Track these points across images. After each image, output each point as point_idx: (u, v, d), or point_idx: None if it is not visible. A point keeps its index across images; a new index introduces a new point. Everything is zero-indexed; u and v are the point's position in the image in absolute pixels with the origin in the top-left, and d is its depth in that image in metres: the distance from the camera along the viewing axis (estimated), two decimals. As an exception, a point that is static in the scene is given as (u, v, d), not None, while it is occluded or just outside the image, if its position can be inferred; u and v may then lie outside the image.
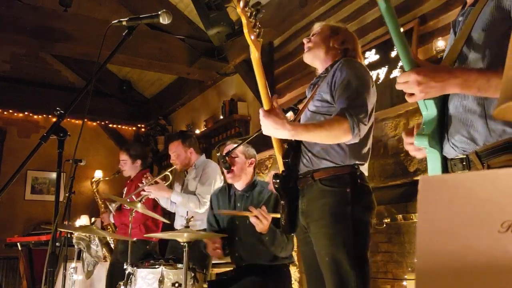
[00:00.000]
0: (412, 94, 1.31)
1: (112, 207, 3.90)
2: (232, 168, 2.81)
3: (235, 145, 2.85)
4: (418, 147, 1.45)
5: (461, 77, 1.24)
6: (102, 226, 4.58)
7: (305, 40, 2.17)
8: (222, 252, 2.81)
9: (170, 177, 3.68)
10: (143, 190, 3.54)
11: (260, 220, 2.41)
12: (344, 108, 1.85)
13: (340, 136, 1.82)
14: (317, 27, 2.19)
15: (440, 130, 1.42)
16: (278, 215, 2.19)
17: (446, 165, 1.41)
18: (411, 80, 1.28)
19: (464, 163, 1.34)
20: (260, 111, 1.83)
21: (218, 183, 3.54)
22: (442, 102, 1.42)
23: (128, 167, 4.18)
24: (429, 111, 1.41)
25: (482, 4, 1.33)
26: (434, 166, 1.44)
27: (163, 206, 3.80)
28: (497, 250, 0.64)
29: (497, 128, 1.26)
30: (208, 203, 3.39)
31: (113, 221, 4.27)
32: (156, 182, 3.54)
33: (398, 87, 1.34)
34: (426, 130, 1.41)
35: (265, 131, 1.85)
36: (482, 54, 1.31)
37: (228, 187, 3.02)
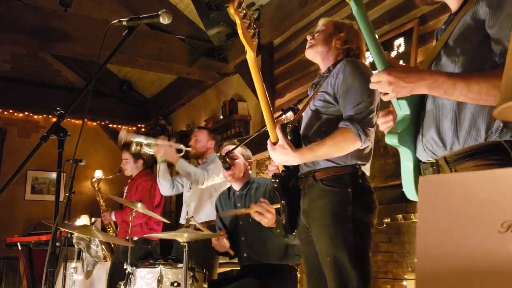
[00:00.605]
0: (386, 93, 1.39)
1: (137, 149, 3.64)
2: (232, 168, 2.84)
3: (231, 146, 2.87)
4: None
5: (429, 80, 1.32)
6: (103, 225, 4.58)
7: (308, 37, 2.16)
8: (229, 242, 2.80)
9: (182, 152, 3.63)
10: (155, 144, 3.46)
11: (263, 214, 2.38)
12: (348, 116, 1.88)
13: (348, 146, 1.86)
14: (321, 23, 2.17)
15: (414, 130, 1.50)
16: (279, 205, 2.19)
17: (419, 167, 1.51)
18: (383, 80, 1.36)
19: (434, 167, 1.44)
20: (268, 145, 1.93)
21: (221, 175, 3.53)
22: (419, 104, 1.49)
23: (130, 166, 4.20)
24: (403, 111, 1.48)
25: (463, 13, 1.41)
26: (407, 165, 1.53)
27: (163, 192, 3.74)
28: (497, 250, 0.64)
29: (463, 135, 1.35)
30: (211, 181, 3.43)
31: (114, 219, 4.26)
32: (170, 146, 3.50)
33: (372, 86, 1.42)
34: (398, 129, 1.48)
35: (276, 162, 2.00)
36: (456, 61, 1.39)
37: (228, 190, 3.08)
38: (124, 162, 4.22)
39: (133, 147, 3.48)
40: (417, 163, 1.51)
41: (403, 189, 1.58)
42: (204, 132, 3.73)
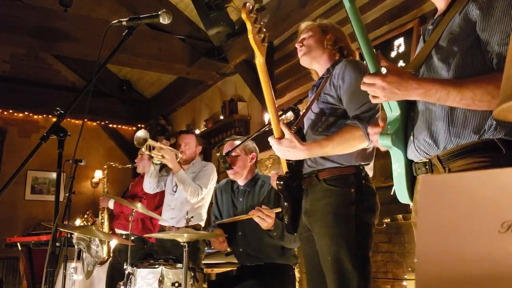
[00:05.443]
0: (376, 96, 1.38)
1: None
2: (232, 166, 2.83)
3: (236, 142, 2.87)
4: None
5: (422, 89, 1.32)
6: (98, 208, 4.51)
7: (297, 45, 2.15)
8: (228, 245, 2.81)
9: (178, 158, 3.50)
10: (161, 148, 3.37)
11: (264, 219, 2.42)
12: (354, 116, 1.88)
13: (355, 144, 1.86)
14: (306, 29, 2.16)
15: (405, 130, 1.49)
16: (280, 209, 2.19)
17: (411, 167, 1.50)
18: (376, 85, 1.35)
19: (427, 166, 1.43)
20: (272, 140, 1.89)
21: (214, 181, 3.52)
22: (409, 105, 1.48)
23: (144, 163, 4.18)
24: (393, 112, 1.47)
25: (452, 14, 1.40)
26: (398, 167, 1.51)
27: (147, 189, 3.66)
28: (497, 250, 0.64)
29: (456, 134, 1.34)
30: (201, 197, 3.39)
31: (112, 207, 4.18)
32: (171, 151, 3.44)
33: (363, 87, 1.40)
34: (390, 130, 1.46)
35: (282, 157, 1.95)
36: (447, 63, 1.38)
37: (231, 181, 3.04)
38: (139, 158, 4.20)
39: (144, 148, 3.42)
40: (408, 164, 1.50)
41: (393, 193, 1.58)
42: (192, 137, 3.62)
